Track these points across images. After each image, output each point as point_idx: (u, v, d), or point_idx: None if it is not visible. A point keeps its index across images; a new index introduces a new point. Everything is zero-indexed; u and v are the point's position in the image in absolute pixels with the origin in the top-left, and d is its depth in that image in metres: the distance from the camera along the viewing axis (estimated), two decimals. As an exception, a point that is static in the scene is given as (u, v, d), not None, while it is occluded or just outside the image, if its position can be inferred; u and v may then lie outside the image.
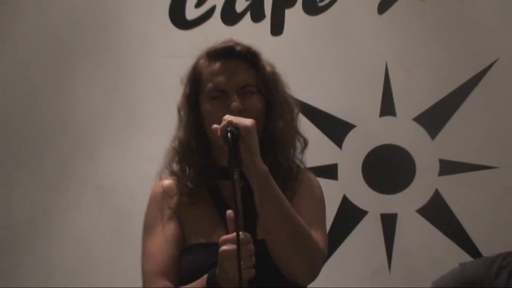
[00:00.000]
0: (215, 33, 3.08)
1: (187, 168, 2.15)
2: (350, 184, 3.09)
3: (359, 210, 3.07)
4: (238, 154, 1.83)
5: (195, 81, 2.14)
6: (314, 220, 2.08)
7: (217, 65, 2.10)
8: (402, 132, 3.07)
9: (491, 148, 2.98)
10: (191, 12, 3.26)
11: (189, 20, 3.26)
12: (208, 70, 2.11)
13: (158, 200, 2.19)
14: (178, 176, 2.16)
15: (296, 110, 2.19)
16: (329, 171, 3.08)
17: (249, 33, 3.11)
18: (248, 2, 3.18)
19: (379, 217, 3.06)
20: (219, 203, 2.12)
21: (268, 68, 2.15)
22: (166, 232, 2.13)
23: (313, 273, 2.03)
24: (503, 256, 2.40)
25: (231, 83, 2.07)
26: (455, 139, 3.04)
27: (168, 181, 2.19)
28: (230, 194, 1.89)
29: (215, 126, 1.90)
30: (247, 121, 1.87)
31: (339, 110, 3.13)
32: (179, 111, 2.18)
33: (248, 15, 3.20)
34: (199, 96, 2.11)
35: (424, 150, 3.04)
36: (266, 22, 3.20)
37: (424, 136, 3.05)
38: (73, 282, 3.03)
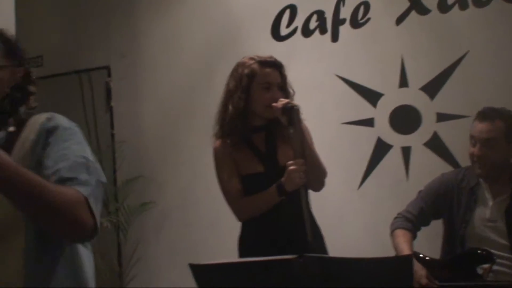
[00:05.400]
0: (298, 42, 4.16)
1: (235, 128, 2.64)
2: (382, 129, 3.95)
3: (387, 145, 3.94)
4: (292, 118, 2.45)
5: (251, 77, 2.63)
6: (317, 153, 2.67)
7: (267, 70, 2.64)
8: (413, 96, 3.88)
9: (466, 104, 3.66)
10: (284, 30, 4.23)
11: (282, 35, 4.22)
12: (262, 71, 2.63)
13: (219, 151, 2.68)
14: (230, 133, 2.63)
15: (292, 92, 2.72)
16: (369, 122, 3.98)
17: (318, 41, 4.13)
18: (317, 23, 4.12)
19: (400, 149, 3.91)
20: (252, 147, 2.67)
21: (285, 73, 2.70)
22: (231, 167, 2.64)
23: (322, 186, 2.68)
24: (466, 167, 3.06)
25: (274, 80, 2.64)
26: (445, 99, 3.80)
27: (218, 141, 2.69)
28: (259, 142, 2.64)
29: (274, 104, 2.52)
30: (295, 102, 2.53)
31: (374, 84, 3.98)
32: (232, 94, 2.66)
33: (317, 31, 4.13)
34: (251, 86, 2.62)
35: (426, 107, 3.85)
36: (328, 34, 4.11)
37: (426, 99, 3.85)
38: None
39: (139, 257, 4.46)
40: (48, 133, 1.76)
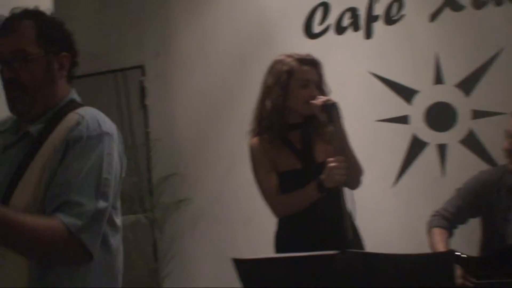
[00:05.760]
0: (331, 40, 4.15)
1: (272, 125, 2.66)
2: (417, 127, 3.95)
3: (423, 142, 3.93)
4: (332, 116, 2.51)
5: (289, 74, 2.65)
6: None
7: (306, 67, 2.67)
8: (448, 93, 3.88)
9: (502, 100, 3.69)
10: (316, 28, 4.22)
11: (315, 33, 4.22)
12: (300, 68, 2.65)
13: (256, 148, 2.71)
14: (267, 129, 2.67)
15: (328, 90, 2.75)
16: (403, 119, 3.97)
17: (351, 38, 4.13)
18: (350, 20, 4.12)
19: (435, 146, 3.90)
20: (289, 145, 2.70)
21: (322, 71, 2.75)
22: (268, 164, 2.68)
23: (359, 184, 2.71)
24: (505, 165, 3.02)
25: (313, 79, 2.67)
26: (481, 96, 3.81)
27: (255, 139, 2.72)
28: (295, 140, 2.68)
29: (313, 101, 2.54)
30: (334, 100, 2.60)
31: (409, 81, 3.97)
32: (269, 91, 2.67)
33: (350, 28, 4.13)
34: (289, 83, 2.64)
35: (462, 104, 3.86)
36: (361, 31, 4.10)
37: (461, 95, 3.85)
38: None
39: (175, 253, 4.50)
40: (68, 145, 1.72)
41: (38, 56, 1.78)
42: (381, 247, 3.86)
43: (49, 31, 1.82)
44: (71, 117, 1.78)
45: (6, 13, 1.87)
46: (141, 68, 4.81)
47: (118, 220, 1.86)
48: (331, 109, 2.49)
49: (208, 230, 4.48)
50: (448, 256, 1.81)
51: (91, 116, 1.79)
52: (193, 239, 4.54)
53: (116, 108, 4.83)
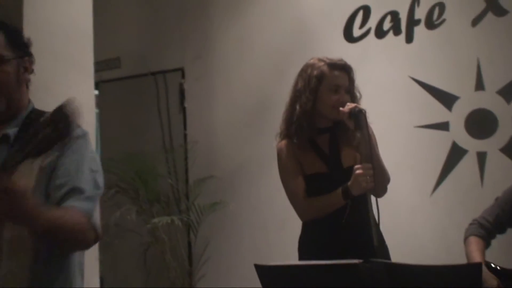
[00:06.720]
0: (371, 44, 4.14)
1: (300, 128, 2.66)
2: (457, 134, 3.91)
3: (463, 150, 3.90)
4: (360, 122, 2.47)
5: (319, 79, 2.65)
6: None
7: (336, 72, 2.65)
8: (489, 100, 3.85)
9: None
10: (356, 31, 4.22)
11: (355, 37, 4.22)
12: (331, 73, 2.65)
13: (284, 151, 2.71)
14: (296, 133, 2.67)
15: (359, 95, 2.72)
16: (443, 126, 3.94)
17: (391, 42, 4.11)
18: (391, 24, 4.11)
19: (475, 154, 3.87)
20: (316, 149, 2.70)
21: (353, 77, 2.71)
22: (296, 166, 2.67)
23: (385, 192, 2.63)
24: None
25: (343, 84, 2.65)
26: (523, 104, 3.78)
27: (283, 141, 2.72)
28: (323, 144, 2.68)
29: (341, 109, 2.54)
30: (362, 106, 2.56)
31: (450, 87, 3.94)
32: (299, 95, 2.68)
33: (391, 32, 4.12)
34: (320, 88, 2.64)
35: (503, 111, 3.82)
36: (402, 35, 4.09)
37: (502, 102, 3.82)
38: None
39: (209, 256, 4.54)
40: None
41: (12, 58, 1.87)
42: (418, 256, 3.92)
43: (15, 37, 1.92)
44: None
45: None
46: (181, 70, 4.89)
47: None
48: (358, 116, 2.48)
49: (243, 233, 4.50)
50: (476, 268, 1.76)
51: None
52: (227, 242, 4.57)
53: (155, 109, 4.91)
